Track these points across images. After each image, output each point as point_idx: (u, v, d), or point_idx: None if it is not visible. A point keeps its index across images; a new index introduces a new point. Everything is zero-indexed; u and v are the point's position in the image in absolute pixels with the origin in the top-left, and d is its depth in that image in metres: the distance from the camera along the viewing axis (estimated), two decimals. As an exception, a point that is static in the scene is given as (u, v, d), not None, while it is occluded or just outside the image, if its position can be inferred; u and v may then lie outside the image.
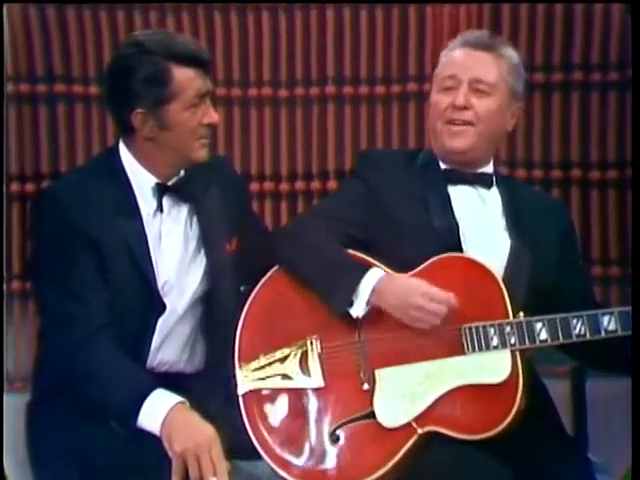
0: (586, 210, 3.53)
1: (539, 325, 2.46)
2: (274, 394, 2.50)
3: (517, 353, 2.45)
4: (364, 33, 3.53)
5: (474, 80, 2.60)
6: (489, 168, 2.68)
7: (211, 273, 2.59)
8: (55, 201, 2.49)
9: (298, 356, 2.50)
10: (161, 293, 2.53)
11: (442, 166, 2.66)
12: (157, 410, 2.38)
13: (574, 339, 2.47)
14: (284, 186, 3.58)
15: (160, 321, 2.53)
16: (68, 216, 2.47)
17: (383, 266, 2.53)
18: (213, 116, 2.55)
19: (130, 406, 2.39)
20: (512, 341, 2.45)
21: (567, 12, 3.51)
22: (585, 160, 3.53)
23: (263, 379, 2.49)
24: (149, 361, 2.55)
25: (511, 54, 2.66)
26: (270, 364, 2.50)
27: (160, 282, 2.54)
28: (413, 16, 3.52)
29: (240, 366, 2.49)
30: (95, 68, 3.51)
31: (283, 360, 2.50)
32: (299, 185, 3.58)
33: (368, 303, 2.47)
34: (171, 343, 2.58)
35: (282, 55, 3.54)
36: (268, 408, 2.49)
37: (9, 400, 2.75)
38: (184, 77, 2.48)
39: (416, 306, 2.43)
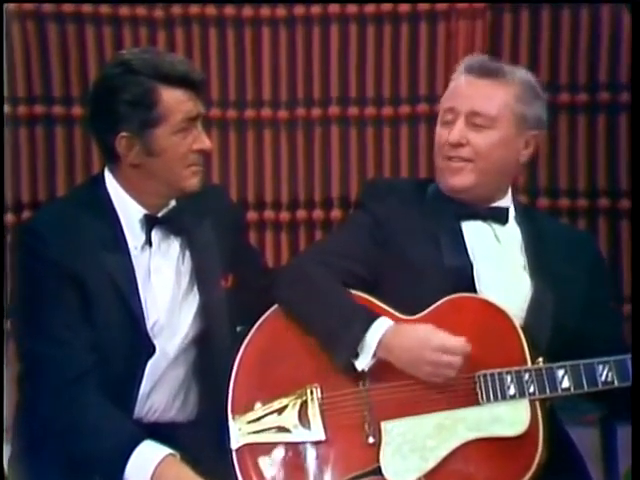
0: (616, 242, 3.51)
1: (561, 372, 2.45)
2: (271, 448, 2.47)
3: (537, 403, 2.43)
4: (371, 50, 3.53)
5: (472, 113, 2.57)
6: (505, 201, 2.66)
7: (205, 312, 2.57)
8: (36, 236, 2.48)
9: (297, 406, 2.48)
10: (150, 334, 2.51)
11: (454, 199, 2.63)
12: (145, 463, 2.36)
13: (600, 387, 2.46)
14: (284, 215, 3.57)
15: (150, 364, 2.51)
16: (50, 252, 2.45)
17: (390, 308, 2.52)
18: (205, 142, 2.53)
19: (116, 459, 2.37)
20: (531, 390, 2.43)
21: (592, 29, 3.50)
22: (614, 188, 3.51)
23: (259, 432, 2.47)
24: (138, 409, 2.53)
25: (521, 78, 2.62)
26: (266, 415, 2.48)
27: (149, 322, 2.52)
28: (424, 32, 3.52)
29: (234, 418, 2.47)
30: (79, 88, 3.52)
31: (281, 411, 2.48)
32: (301, 214, 3.57)
33: (374, 356, 2.46)
34: (162, 389, 2.56)
35: (282, 74, 3.54)
36: (264, 463, 2.46)
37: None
38: (172, 99, 2.47)
39: (429, 361, 2.42)
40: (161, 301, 2.55)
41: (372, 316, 2.48)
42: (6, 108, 3.47)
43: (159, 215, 2.56)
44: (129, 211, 2.54)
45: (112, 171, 2.55)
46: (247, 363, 2.53)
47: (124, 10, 3.51)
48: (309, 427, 2.47)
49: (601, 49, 3.50)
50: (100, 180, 2.57)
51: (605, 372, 2.46)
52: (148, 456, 2.37)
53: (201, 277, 2.58)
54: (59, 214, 2.55)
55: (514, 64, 3.51)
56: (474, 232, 2.61)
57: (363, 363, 2.46)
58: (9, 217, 3.48)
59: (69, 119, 3.53)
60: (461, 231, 2.60)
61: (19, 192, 3.53)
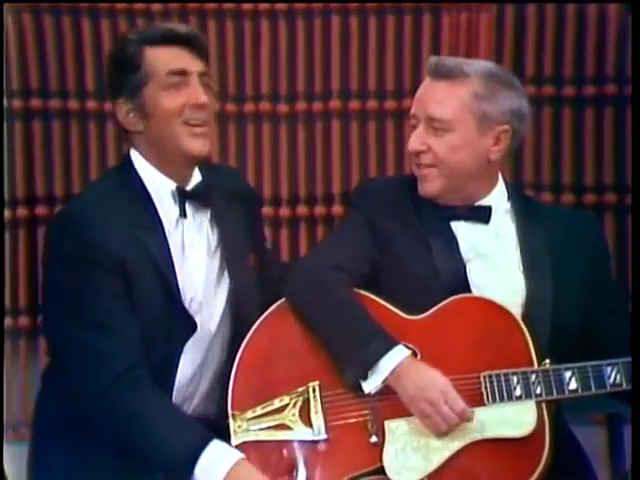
0: (622, 239, 3.50)
1: (568, 374, 2.44)
2: (271, 446, 2.46)
3: (543, 404, 2.43)
4: (373, 42, 3.51)
5: (429, 118, 2.56)
6: (488, 200, 2.63)
7: (235, 290, 2.57)
8: (73, 223, 2.46)
9: (298, 405, 2.47)
10: (190, 311, 2.50)
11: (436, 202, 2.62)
12: (217, 465, 2.34)
13: (608, 389, 2.46)
14: (284, 211, 3.57)
15: (192, 345, 2.50)
16: (90, 238, 2.43)
17: (395, 309, 2.53)
18: (198, 96, 2.50)
19: (184, 460, 2.34)
20: (537, 391, 2.43)
21: (598, 20, 3.48)
22: (620, 183, 3.50)
23: (259, 430, 2.46)
24: (178, 397, 2.51)
25: (481, 74, 2.56)
26: (267, 414, 2.47)
27: (187, 299, 2.51)
28: (427, 24, 3.50)
29: (234, 416, 2.46)
30: (76, 82, 3.51)
31: (282, 409, 2.47)
32: (301, 210, 3.57)
33: (384, 382, 2.45)
34: (206, 373, 2.56)
35: (282, 66, 3.53)
36: (264, 462, 2.44)
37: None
38: (155, 56, 2.50)
39: (429, 400, 2.40)
40: (197, 277, 2.55)
41: (391, 342, 2.45)
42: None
43: (188, 188, 2.56)
44: (159, 186, 2.54)
45: (135, 147, 2.57)
46: (247, 361, 2.52)
47: (122, 3, 3.50)
48: (310, 425, 2.46)
49: (608, 41, 3.49)
50: (128, 159, 2.58)
51: (613, 374, 2.46)
52: (220, 458, 2.35)
53: (231, 255, 2.59)
54: (93, 199, 2.54)
55: (519, 57, 3.52)
56: (464, 232, 2.60)
57: (371, 386, 2.46)
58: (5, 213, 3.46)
59: (66, 113, 3.52)
60: (452, 231, 2.60)
61: (14, 188, 3.51)
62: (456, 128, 2.55)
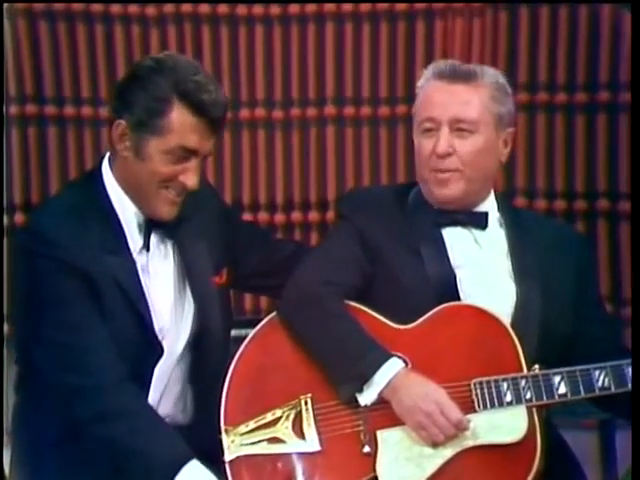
0: (615, 245, 3.51)
1: (557, 378, 2.46)
2: (265, 460, 2.47)
3: (534, 409, 2.44)
4: (366, 49, 3.53)
5: (454, 120, 2.55)
6: (485, 206, 2.64)
7: (199, 314, 2.56)
8: (43, 240, 2.44)
9: (291, 418, 2.48)
10: (159, 336, 2.51)
11: (434, 206, 2.62)
12: None
13: (597, 393, 2.47)
14: (279, 217, 3.58)
15: (158, 368, 2.51)
16: (60, 253, 2.42)
17: (384, 318, 2.53)
18: (191, 180, 2.45)
19: (163, 474, 2.36)
20: (528, 396, 2.44)
21: (591, 27, 3.48)
22: (612, 190, 3.51)
23: (253, 444, 2.46)
24: None
25: (492, 78, 2.59)
26: (260, 427, 2.47)
27: (157, 326, 2.51)
28: (421, 30, 3.51)
29: (227, 431, 2.47)
30: (71, 88, 3.52)
31: (274, 422, 2.48)
32: (296, 216, 3.58)
33: (380, 394, 2.45)
34: (169, 394, 2.57)
35: (277, 73, 3.54)
36: (258, 476, 2.46)
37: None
38: (182, 121, 2.41)
39: (424, 411, 2.41)
40: (164, 305, 2.54)
41: (385, 354, 2.46)
42: (-2, 108, 3.49)
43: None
44: (127, 213, 2.52)
45: (112, 162, 2.52)
46: (240, 375, 2.52)
47: (116, 8, 3.51)
48: (304, 438, 2.47)
49: (601, 48, 3.49)
50: (97, 176, 2.54)
51: (602, 378, 2.47)
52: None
53: (193, 278, 2.57)
54: (62, 215, 2.50)
55: (512, 64, 3.54)
56: (456, 239, 2.61)
57: (367, 399, 2.47)
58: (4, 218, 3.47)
59: (61, 119, 3.54)
60: (442, 239, 2.60)
61: (11, 194, 3.53)
62: (480, 129, 2.56)
